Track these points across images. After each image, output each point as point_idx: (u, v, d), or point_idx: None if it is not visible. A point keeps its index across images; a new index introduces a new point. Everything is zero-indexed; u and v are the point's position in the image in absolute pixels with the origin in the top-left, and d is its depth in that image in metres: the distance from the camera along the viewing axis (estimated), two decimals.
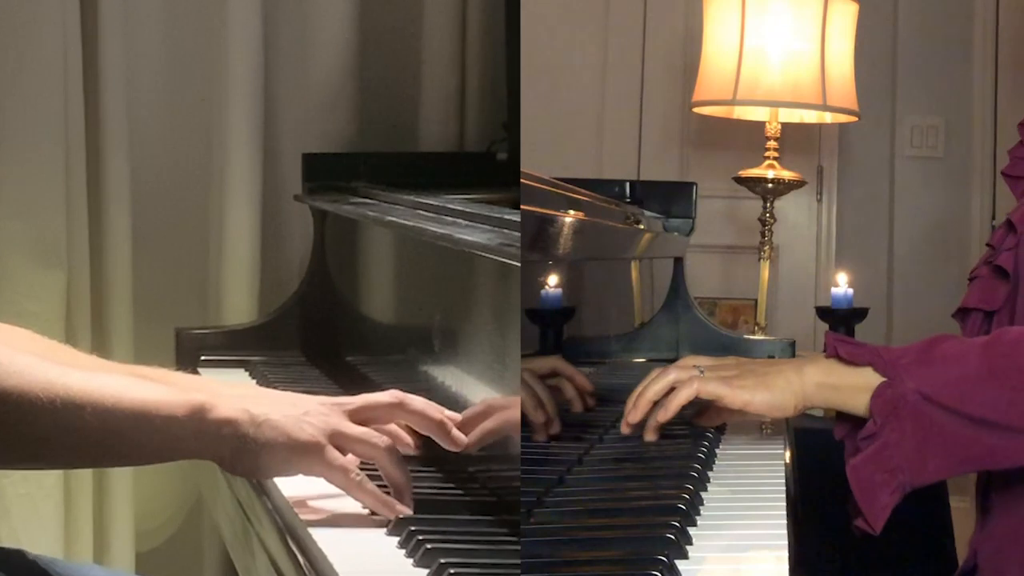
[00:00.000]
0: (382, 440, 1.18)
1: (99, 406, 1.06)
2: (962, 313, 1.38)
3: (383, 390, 1.71)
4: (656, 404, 1.31)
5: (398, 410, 1.24)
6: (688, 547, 1.05)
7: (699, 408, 1.41)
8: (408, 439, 1.28)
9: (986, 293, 1.34)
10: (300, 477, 1.34)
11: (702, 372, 1.29)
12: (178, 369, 2.05)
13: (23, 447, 1.06)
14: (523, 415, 1.19)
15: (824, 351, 1.39)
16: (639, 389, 1.33)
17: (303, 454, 1.15)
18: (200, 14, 2.29)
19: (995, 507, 1.30)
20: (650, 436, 1.32)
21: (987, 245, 1.40)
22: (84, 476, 2.17)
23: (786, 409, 1.25)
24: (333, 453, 1.16)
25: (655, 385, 1.31)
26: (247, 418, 1.13)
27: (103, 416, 1.07)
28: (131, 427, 1.09)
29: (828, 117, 2.70)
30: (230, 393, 1.24)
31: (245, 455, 1.13)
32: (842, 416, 1.24)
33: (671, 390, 1.30)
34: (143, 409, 1.09)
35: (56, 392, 1.04)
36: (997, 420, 1.14)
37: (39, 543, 2.08)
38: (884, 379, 1.18)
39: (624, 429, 1.33)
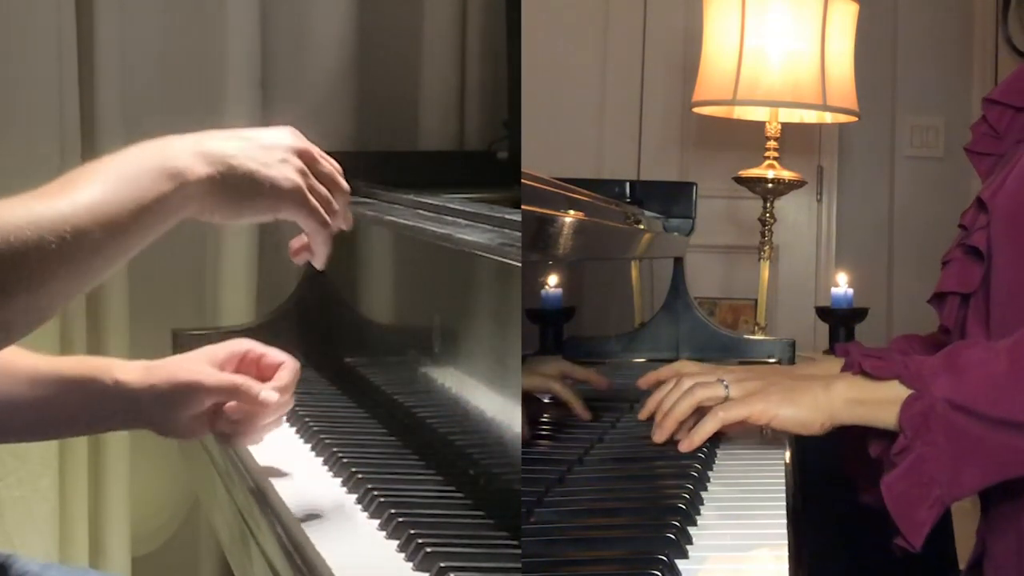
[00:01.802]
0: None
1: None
2: (938, 298, 1.36)
3: (383, 392, 1.71)
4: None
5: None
6: (688, 547, 1.05)
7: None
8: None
9: (961, 276, 1.33)
10: (300, 476, 1.33)
11: (727, 387, 1.28)
12: None
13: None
14: (527, 415, 1.18)
15: (842, 362, 1.38)
16: (661, 397, 1.32)
17: (286, 201, 1.14)
18: (198, 11, 2.29)
19: (995, 492, 1.29)
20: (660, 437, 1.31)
21: (959, 226, 1.37)
22: (80, 478, 2.17)
23: (812, 427, 1.23)
24: (311, 199, 1.15)
25: (682, 403, 1.30)
26: (224, 170, 1.12)
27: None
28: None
29: (828, 117, 2.70)
30: None
31: (225, 206, 1.13)
32: (876, 433, 1.22)
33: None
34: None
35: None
36: None
37: (34, 547, 2.07)
38: (911, 391, 1.16)
39: (657, 439, 1.32)
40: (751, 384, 1.28)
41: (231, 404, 1.22)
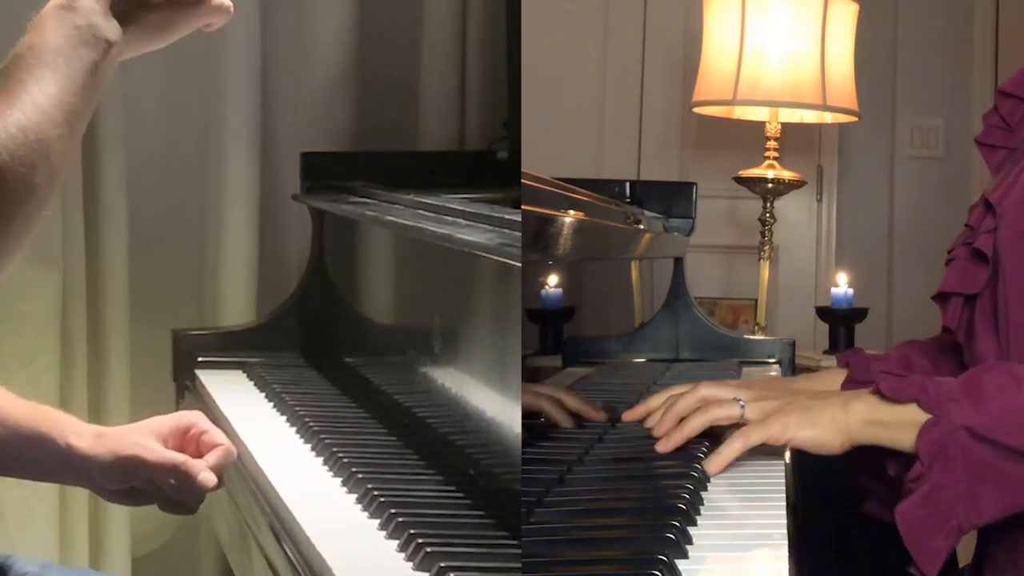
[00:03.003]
0: None
1: None
2: (941, 297, 1.35)
3: (383, 392, 1.71)
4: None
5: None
6: (688, 547, 1.05)
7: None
8: None
9: (964, 276, 1.31)
10: (301, 477, 1.33)
11: (742, 406, 1.26)
12: (175, 371, 2.06)
13: None
14: (529, 415, 1.18)
15: (843, 373, 1.36)
16: (675, 405, 1.30)
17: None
18: None
19: None
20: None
21: (966, 226, 1.35)
22: None
23: (832, 447, 1.22)
24: None
25: (695, 420, 1.28)
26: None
27: None
28: None
29: (828, 117, 2.70)
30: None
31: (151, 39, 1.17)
32: (894, 452, 1.20)
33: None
34: None
35: None
36: None
37: (34, 547, 2.07)
38: (930, 416, 1.15)
39: (661, 449, 1.30)
40: (768, 405, 1.26)
41: (170, 481, 1.25)
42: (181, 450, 1.27)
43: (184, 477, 1.23)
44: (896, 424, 1.18)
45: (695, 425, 1.28)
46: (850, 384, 1.41)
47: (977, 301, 1.29)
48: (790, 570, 1.02)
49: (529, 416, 1.31)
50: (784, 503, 1.21)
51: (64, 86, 1.00)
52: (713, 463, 1.25)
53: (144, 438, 1.27)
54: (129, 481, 1.26)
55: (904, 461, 1.19)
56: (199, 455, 1.26)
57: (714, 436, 1.34)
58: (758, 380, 1.52)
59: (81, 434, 1.26)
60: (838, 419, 1.21)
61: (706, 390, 1.30)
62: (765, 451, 1.37)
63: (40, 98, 0.98)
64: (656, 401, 1.35)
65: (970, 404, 1.14)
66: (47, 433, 1.27)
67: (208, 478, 1.23)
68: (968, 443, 1.12)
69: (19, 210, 0.95)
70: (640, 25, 3.23)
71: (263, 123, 2.28)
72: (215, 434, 1.29)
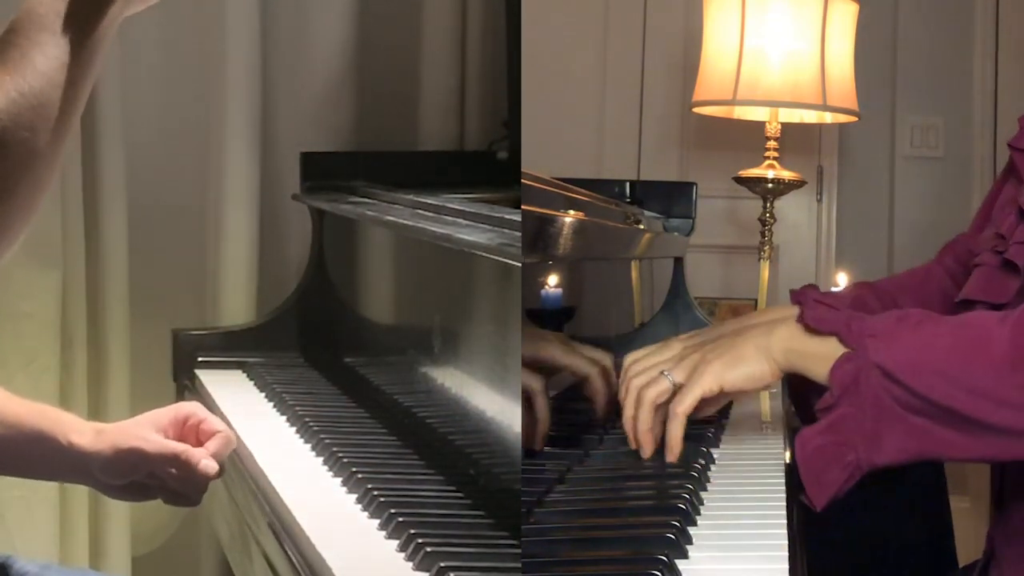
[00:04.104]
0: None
1: None
2: (965, 304, 1.33)
3: (383, 392, 1.71)
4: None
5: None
6: (688, 547, 1.05)
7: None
8: None
9: (991, 285, 1.30)
10: (300, 476, 1.33)
11: (669, 375, 1.24)
12: (175, 370, 2.06)
13: None
14: (522, 414, 1.18)
15: (797, 306, 1.34)
16: (628, 415, 1.27)
17: None
18: (197, 11, 2.29)
19: (1010, 498, 1.28)
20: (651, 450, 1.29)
21: (998, 235, 1.33)
22: None
23: (763, 378, 1.19)
24: None
25: (641, 416, 1.24)
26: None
27: None
28: None
29: (828, 117, 2.69)
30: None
31: None
32: (820, 387, 1.17)
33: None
34: None
35: None
36: (957, 408, 1.09)
37: (34, 547, 2.07)
38: (847, 349, 1.13)
39: (645, 456, 1.29)
40: (689, 360, 1.22)
41: (172, 472, 1.25)
42: (181, 440, 1.27)
43: (185, 466, 1.23)
44: (814, 355, 1.15)
45: (644, 419, 1.24)
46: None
47: (1003, 310, 1.28)
48: (790, 570, 1.02)
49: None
50: (784, 503, 1.21)
51: (65, 49, 0.99)
52: (670, 453, 1.24)
53: (143, 430, 1.27)
54: (131, 475, 1.26)
55: (823, 393, 1.16)
56: (199, 444, 1.26)
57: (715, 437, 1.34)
58: (696, 332, 1.46)
59: (82, 432, 1.27)
60: (761, 347, 1.19)
61: (635, 380, 1.26)
62: (765, 451, 1.38)
63: (40, 61, 0.97)
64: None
65: (888, 344, 1.11)
66: (48, 432, 1.27)
67: (209, 466, 1.23)
68: (880, 381, 1.10)
69: (24, 175, 0.94)
70: (640, 25, 3.23)
71: (263, 123, 2.28)
72: (213, 422, 1.29)
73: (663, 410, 1.25)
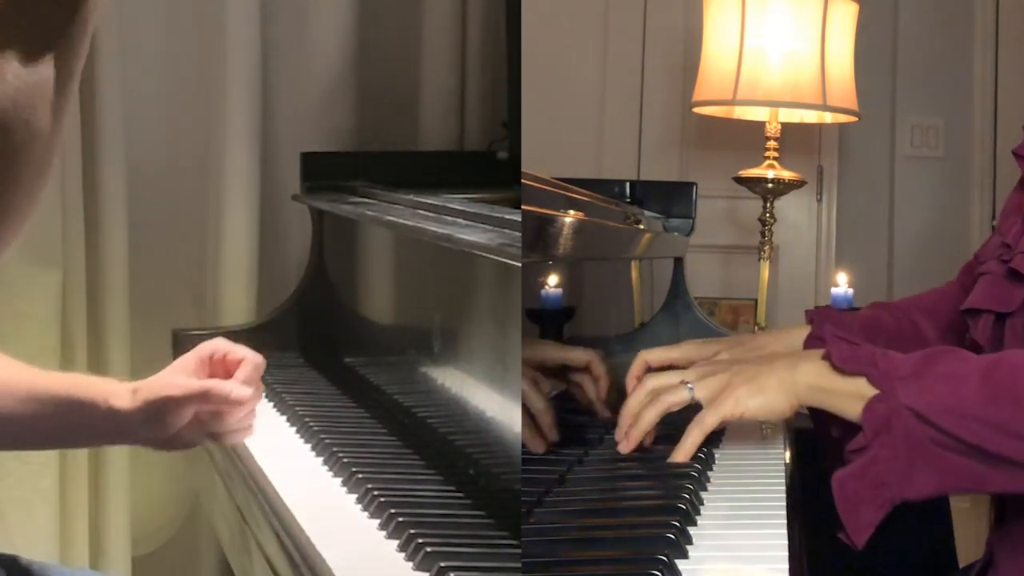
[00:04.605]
0: None
1: None
2: (971, 313, 1.34)
3: (383, 392, 1.71)
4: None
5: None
6: (688, 547, 1.05)
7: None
8: None
9: (996, 293, 1.30)
10: (300, 476, 1.33)
11: (691, 388, 1.26)
12: None
13: None
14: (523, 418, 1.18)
15: (809, 325, 1.35)
16: (626, 405, 1.30)
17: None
18: (198, 12, 2.29)
19: (1010, 506, 1.28)
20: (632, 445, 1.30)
21: (1003, 244, 1.34)
22: (80, 479, 2.17)
23: (782, 411, 1.22)
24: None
25: (647, 414, 1.27)
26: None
27: None
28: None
29: (828, 117, 2.70)
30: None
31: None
32: (837, 416, 1.21)
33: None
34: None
35: None
36: (989, 449, 1.12)
37: (34, 547, 2.07)
38: (877, 391, 1.15)
39: (623, 450, 1.30)
40: (715, 381, 1.25)
41: (207, 409, 1.26)
42: (212, 377, 1.29)
43: (218, 399, 1.25)
44: (842, 393, 1.17)
45: (649, 418, 1.27)
46: (813, 341, 1.42)
47: (1009, 319, 1.29)
48: (790, 570, 1.02)
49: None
50: (784, 503, 1.21)
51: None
52: (677, 455, 1.25)
53: (172, 377, 1.29)
54: (172, 425, 1.26)
55: (845, 425, 1.19)
56: (230, 376, 1.28)
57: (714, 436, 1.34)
58: (704, 341, 1.50)
59: (119, 394, 1.27)
60: (784, 381, 1.21)
61: (653, 382, 1.29)
62: (765, 451, 1.38)
63: None
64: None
65: (918, 386, 1.14)
66: (87, 400, 1.27)
67: (241, 392, 1.25)
68: (911, 422, 1.12)
69: (28, 158, 0.94)
70: (640, 25, 3.23)
71: (263, 123, 2.28)
72: (238, 351, 1.30)
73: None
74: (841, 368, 1.18)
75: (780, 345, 1.46)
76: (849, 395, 1.17)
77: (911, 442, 1.12)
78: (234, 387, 1.25)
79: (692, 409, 1.26)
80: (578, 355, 1.39)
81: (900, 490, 1.13)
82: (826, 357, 1.20)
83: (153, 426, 1.26)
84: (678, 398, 1.26)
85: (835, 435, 1.21)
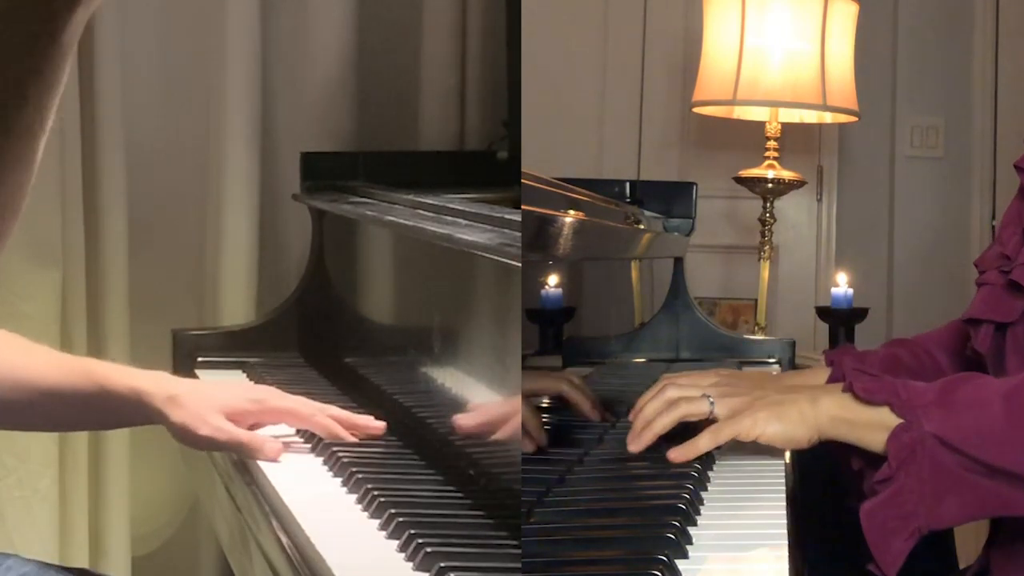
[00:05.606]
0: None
1: None
2: (972, 322, 1.35)
3: (383, 392, 1.71)
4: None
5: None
6: (688, 547, 1.05)
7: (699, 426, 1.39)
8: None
9: (996, 304, 1.31)
10: (299, 480, 1.33)
11: (712, 403, 1.27)
12: (175, 370, 2.06)
13: None
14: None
15: (830, 368, 1.36)
16: (643, 409, 1.30)
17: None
18: (198, 12, 2.29)
19: (1008, 525, 1.28)
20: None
21: (1004, 256, 1.34)
22: (80, 479, 2.17)
23: (799, 442, 1.22)
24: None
25: (664, 418, 1.28)
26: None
27: None
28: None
29: (828, 117, 2.70)
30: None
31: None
32: (858, 448, 1.21)
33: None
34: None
35: None
36: (1016, 471, 1.12)
37: (34, 547, 2.07)
38: (901, 420, 1.15)
39: (632, 449, 1.31)
40: (737, 401, 1.26)
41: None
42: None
43: (249, 454, 1.35)
44: (865, 424, 1.18)
45: (664, 422, 1.27)
46: (833, 383, 1.42)
47: (1009, 329, 1.29)
48: (790, 569, 1.02)
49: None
50: (784, 503, 1.21)
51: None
52: (679, 452, 1.26)
53: (213, 417, 1.35)
54: (199, 450, 1.38)
55: (866, 457, 1.19)
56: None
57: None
58: (730, 373, 1.50)
59: (152, 394, 1.34)
60: (806, 413, 1.22)
61: (673, 391, 1.30)
62: (765, 451, 1.38)
63: None
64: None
65: (942, 414, 1.14)
66: (144, 400, 1.35)
67: (273, 449, 1.35)
68: (936, 450, 1.13)
69: (22, 150, 0.94)
70: (640, 25, 3.23)
71: (263, 123, 2.28)
72: (284, 403, 1.39)
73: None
74: (864, 399, 1.18)
75: (808, 382, 1.45)
76: (873, 426, 1.17)
77: (937, 469, 1.13)
78: (266, 445, 1.36)
79: (704, 423, 1.27)
80: (548, 385, 1.39)
81: (928, 518, 1.14)
82: (848, 389, 1.20)
83: (181, 441, 1.37)
84: (697, 409, 1.27)
85: (856, 468, 1.22)
